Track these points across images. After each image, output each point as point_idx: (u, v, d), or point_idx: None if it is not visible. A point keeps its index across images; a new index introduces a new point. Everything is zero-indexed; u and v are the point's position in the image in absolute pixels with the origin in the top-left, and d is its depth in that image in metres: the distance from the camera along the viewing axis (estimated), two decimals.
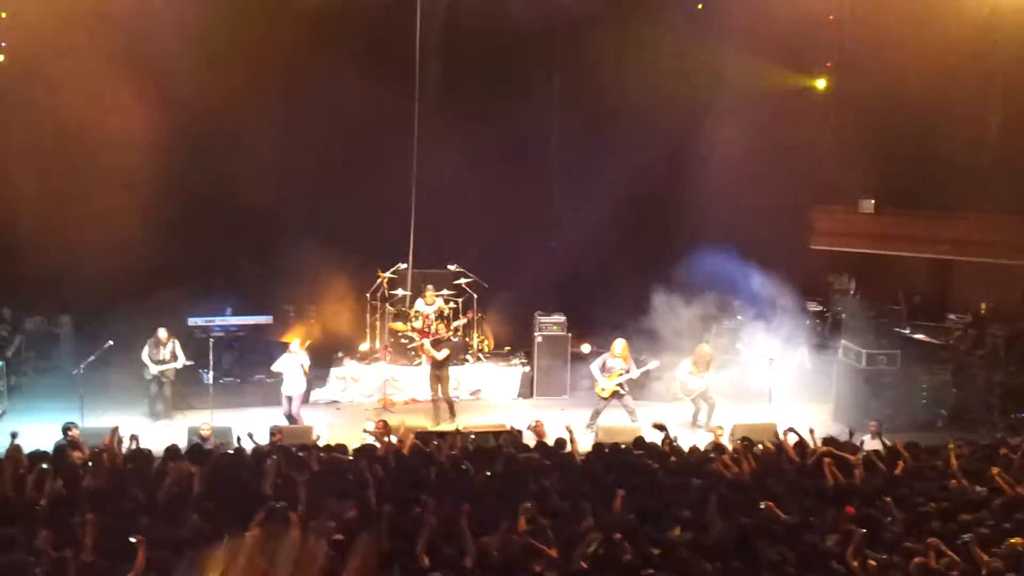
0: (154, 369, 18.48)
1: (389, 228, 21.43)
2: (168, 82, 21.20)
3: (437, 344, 18.93)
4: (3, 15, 21.11)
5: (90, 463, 13.46)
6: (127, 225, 21.07)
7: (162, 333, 18.63)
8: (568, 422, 15.49)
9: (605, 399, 18.29)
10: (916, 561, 10.02)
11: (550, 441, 14.78)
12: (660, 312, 21.70)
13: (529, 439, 15.61)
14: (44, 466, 12.81)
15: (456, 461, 13.43)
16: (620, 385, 18.23)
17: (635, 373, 18.42)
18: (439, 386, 18.82)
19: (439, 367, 18.80)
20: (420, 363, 19.34)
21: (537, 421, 16.08)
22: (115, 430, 14.51)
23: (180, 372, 18.88)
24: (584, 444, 15.45)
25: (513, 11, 22.24)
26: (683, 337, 20.32)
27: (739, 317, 21.64)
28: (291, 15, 21.64)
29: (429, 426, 17.76)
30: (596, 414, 18.28)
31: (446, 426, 17.71)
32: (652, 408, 18.99)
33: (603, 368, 18.33)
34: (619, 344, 18.41)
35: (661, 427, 15.00)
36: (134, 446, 14.26)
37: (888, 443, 15.14)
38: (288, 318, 21.77)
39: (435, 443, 14.60)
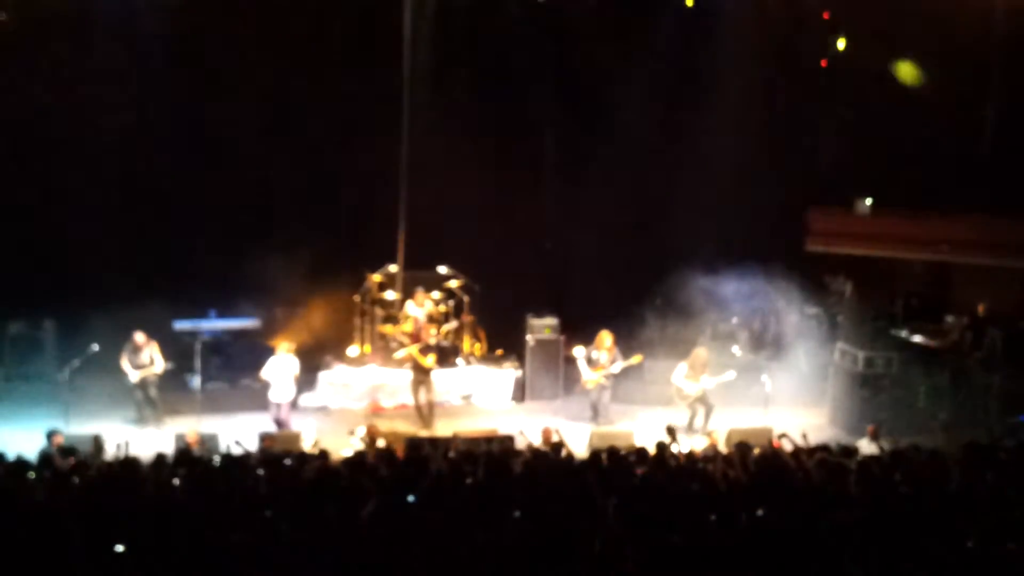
0: (134, 376, 18.24)
1: (378, 229, 21.28)
2: (152, 83, 21.05)
3: (425, 351, 18.73)
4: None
5: (75, 470, 13.22)
6: (111, 228, 20.97)
7: (139, 337, 18.34)
8: (560, 428, 15.38)
9: (591, 391, 18.60)
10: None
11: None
12: (654, 315, 21.66)
13: (521, 444, 15.43)
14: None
15: (451, 467, 13.25)
16: (605, 378, 18.50)
17: (617, 367, 18.53)
18: (422, 391, 18.69)
19: (425, 373, 18.63)
20: (409, 367, 19.15)
21: (545, 428, 15.84)
22: (97, 438, 14.36)
23: (165, 377, 18.69)
24: (580, 449, 15.33)
25: (507, 8, 22.13)
26: (677, 340, 20.24)
27: (735, 320, 21.49)
28: (278, 13, 21.42)
29: (420, 432, 17.58)
30: (594, 407, 18.65)
31: (427, 432, 17.66)
32: (649, 412, 18.94)
33: (589, 361, 18.61)
34: (604, 337, 18.55)
35: (671, 431, 14.80)
36: (122, 453, 14.04)
37: (885, 446, 15.02)
38: (275, 321, 21.56)
39: (427, 449, 14.44)
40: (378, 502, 11.44)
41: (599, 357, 18.51)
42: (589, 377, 18.53)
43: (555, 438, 15.20)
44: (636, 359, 18.88)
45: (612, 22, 22.40)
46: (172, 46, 21.02)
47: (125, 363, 18.28)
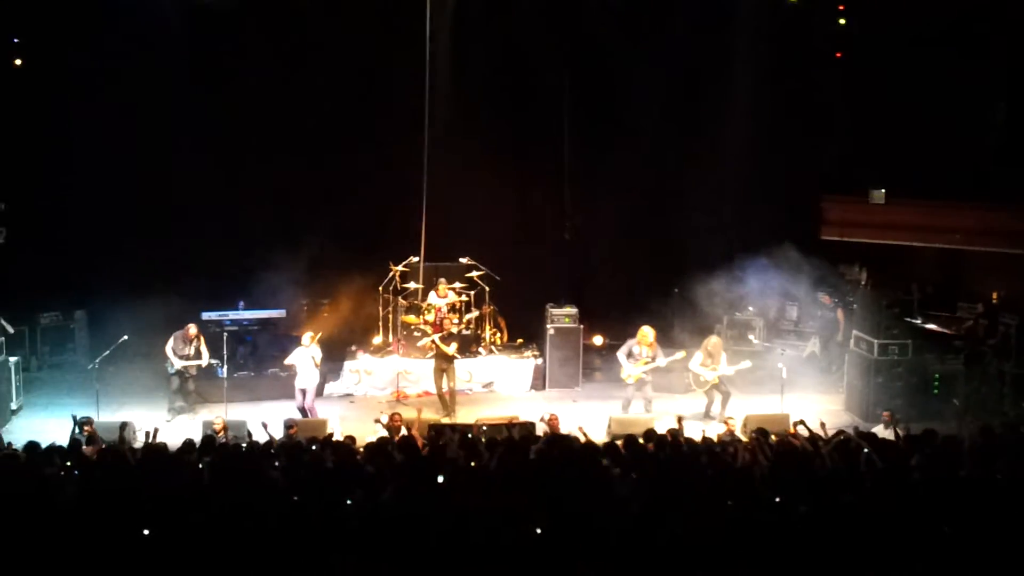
0: (177, 364, 18.52)
1: (401, 221, 21.43)
2: (178, 80, 21.35)
3: (447, 339, 19.02)
4: None
5: (105, 457, 13.49)
6: (141, 220, 21.29)
7: (192, 330, 18.68)
8: (582, 418, 15.55)
9: (632, 386, 18.38)
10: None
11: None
12: (672, 304, 21.83)
13: (541, 431, 15.63)
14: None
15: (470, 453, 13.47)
16: (645, 373, 18.29)
17: (662, 362, 18.35)
18: (444, 379, 18.96)
19: (447, 361, 18.93)
20: (432, 355, 19.41)
21: (552, 414, 16.08)
22: (123, 425, 14.62)
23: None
24: (599, 436, 15.51)
25: (524, 2, 22.26)
26: (695, 328, 20.41)
27: (751, 309, 21.63)
28: (300, 10, 21.70)
29: (442, 419, 17.82)
30: (627, 402, 18.49)
31: (449, 419, 17.89)
32: (667, 400, 19.06)
33: (629, 355, 18.40)
34: (647, 332, 18.42)
35: (679, 420, 15.00)
36: (150, 440, 14.30)
37: (901, 432, 15.13)
38: (301, 312, 21.84)
39: (449, 435, 14.66)
40: (397, 488, 11.68)
41: (640, 352, 18.33)
42: (631, 372, 18.31)
43: (560, 426, 15.50)
44: (681, 355, 18.66)
45: (625, 14, 22.48)
46: (198, 48, 21.41)
47: (170, 350, 18.58)
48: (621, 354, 18.55)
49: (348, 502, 11.26)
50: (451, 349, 18.85)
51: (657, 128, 22.51)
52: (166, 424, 17.39)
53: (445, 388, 18.93)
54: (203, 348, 18.78)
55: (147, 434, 14.47)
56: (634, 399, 18.47)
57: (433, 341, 19.19)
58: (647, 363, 18.26)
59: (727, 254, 20.88)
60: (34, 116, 21.16)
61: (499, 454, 12.94)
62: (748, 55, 22.34)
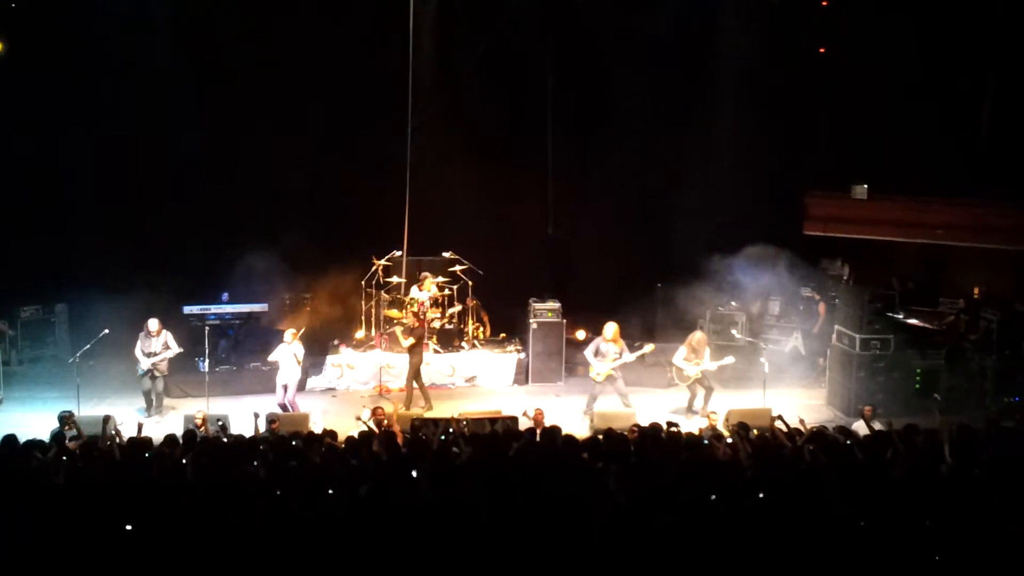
0: (146, 364, 18.27)
1: (384, 215, 21.46)
2: (162, 70, 21.28)
3: (407, 332, 19.05)
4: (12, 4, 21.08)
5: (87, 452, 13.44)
6: (122, 213, 21.20)
7: (152, 324, 18.37)
8: (563, 410, 15.51)
9: (600, 384, 18.31)
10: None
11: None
12: (654, 299, 21.84)
13: (524, 426, 15.62)
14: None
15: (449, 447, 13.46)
16: (614, 369, 18.25)
17: (629, 357, 18.33)
18: (425, 373, 19.02)
19: (410, 352, 18.93)
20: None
21: (537, 409, 16.04)
22: (106, 419, 14.56)
23: (175, 360, 18.73)
24: (581, 430, 15.50)
25: None
26: (678, 323, 20.43)
27: (733, 304, 21.67)
28: (285, 5, 21.67)
29: (424, 413, 17.82)
30: (593, 399, 18.34)
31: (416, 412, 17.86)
32: (649, 395, 19.06)
33: (597, 353, 18.34)
34: (610, 328, 18.38)
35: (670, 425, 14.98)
36: (135, 434, 14.26)
37: (880, 427, 15.16)
38: (283, 306, 21.81)
39: (429, 430, 14.67)
40: (375, 482, 11.66)
41: (607, 349, 18.25)
42: (601, 369, 18.21)
43: (545, 420, 15.48)
44: (649, 348, 18.88)
45: (611, 9, 22.50)
46: (182, 44, 21.35)
47: (138, 351, 18.37)
48: (589, 353, 18.48)
49: (330, 492, 11.31)
50: (406, 343, 18.86)
51: (641, 124, 22.49)
52: (147, 420, 17.30)
53: (427, 382, 18.90)
54: (170, 341, 18.52)
55: (139, 426, 14.47)
56: (605, 395, 18.38)
57: (394, 332, 19.28)
58: (615, 360, 18.22)
59: (710, 249, 20.84)
60: (16, 108, 21.01)
61: (469, 452, 12.97)
62: (732, 51, 22.31)
